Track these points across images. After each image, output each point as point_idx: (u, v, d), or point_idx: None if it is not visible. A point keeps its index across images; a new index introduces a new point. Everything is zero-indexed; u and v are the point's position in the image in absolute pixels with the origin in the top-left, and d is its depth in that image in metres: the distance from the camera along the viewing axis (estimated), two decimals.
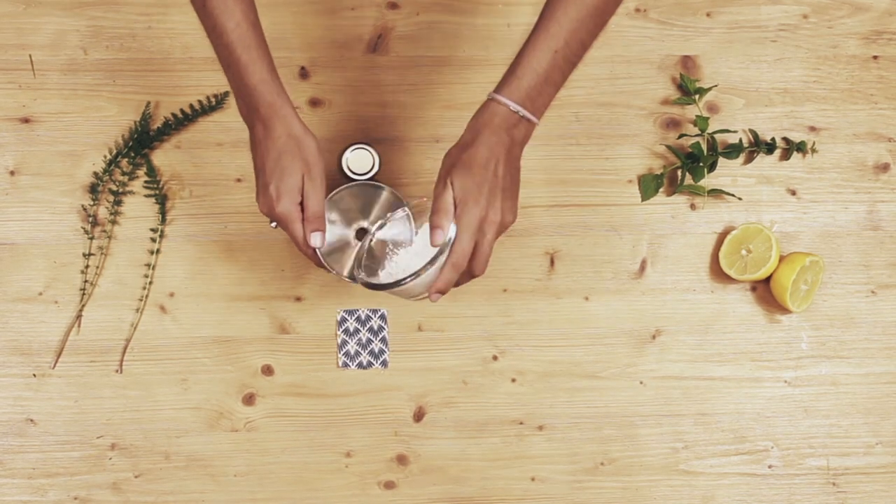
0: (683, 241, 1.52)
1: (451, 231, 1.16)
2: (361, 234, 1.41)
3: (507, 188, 1.18)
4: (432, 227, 1.17)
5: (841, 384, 1.51)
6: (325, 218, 1.22)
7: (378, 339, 1.48)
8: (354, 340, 1.48)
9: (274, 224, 1.28)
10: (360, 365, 1.48)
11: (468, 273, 1.19)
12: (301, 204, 1.21)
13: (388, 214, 1.31)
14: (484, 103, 1.20)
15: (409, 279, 1.18)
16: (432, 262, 1.17)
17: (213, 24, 1.20)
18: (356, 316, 1.48)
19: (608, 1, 1.18)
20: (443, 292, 1.19)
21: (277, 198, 1.20)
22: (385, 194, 1.43)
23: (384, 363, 1.48)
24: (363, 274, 1.26)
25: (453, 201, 1.17)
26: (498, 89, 1.19)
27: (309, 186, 1.21)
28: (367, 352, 1.48)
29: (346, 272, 1.38)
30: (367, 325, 1.48)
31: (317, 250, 1.24)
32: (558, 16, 1.17)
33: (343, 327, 1.48)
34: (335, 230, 1.40)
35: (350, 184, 1.43)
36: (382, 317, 1.48)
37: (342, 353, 1.48)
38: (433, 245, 1.17)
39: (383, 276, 1.26)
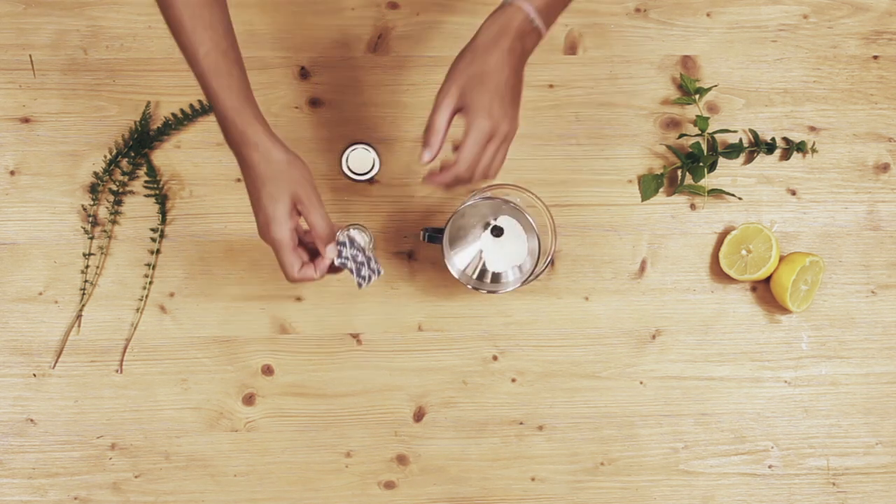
0: (683, 241, 1.52)
1: (433, 149, 1.17)
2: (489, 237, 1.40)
3: (516, 98, 1.17)
4: (423, 145, 1.16)
5: (841, 384, 1.51)
6: (333, 233, 1.21)
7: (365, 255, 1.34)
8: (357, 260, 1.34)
9: None
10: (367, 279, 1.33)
11: (468, 180, 1.19)
12: (297, 229, 1.20)
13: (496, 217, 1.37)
14: (501, 6, 1.17)
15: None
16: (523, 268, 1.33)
17: (187, 55, 1.19)
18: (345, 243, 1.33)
19: None
20: (436, 185, 1.18)
21: (267, 225, 1.19)
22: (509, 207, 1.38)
23: (378, 272, 1.31)
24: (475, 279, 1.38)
25: (463, 110, 1.16)
26: None
27: (306, 209, 1.19)
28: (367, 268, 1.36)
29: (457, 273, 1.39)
30: (354, 245, 1.34)
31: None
32: None
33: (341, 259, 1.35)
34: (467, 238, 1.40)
35: (473, 201, 1.39)
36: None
37: (358, 276, 1.30)
38: (421, 162, 1.16)
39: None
